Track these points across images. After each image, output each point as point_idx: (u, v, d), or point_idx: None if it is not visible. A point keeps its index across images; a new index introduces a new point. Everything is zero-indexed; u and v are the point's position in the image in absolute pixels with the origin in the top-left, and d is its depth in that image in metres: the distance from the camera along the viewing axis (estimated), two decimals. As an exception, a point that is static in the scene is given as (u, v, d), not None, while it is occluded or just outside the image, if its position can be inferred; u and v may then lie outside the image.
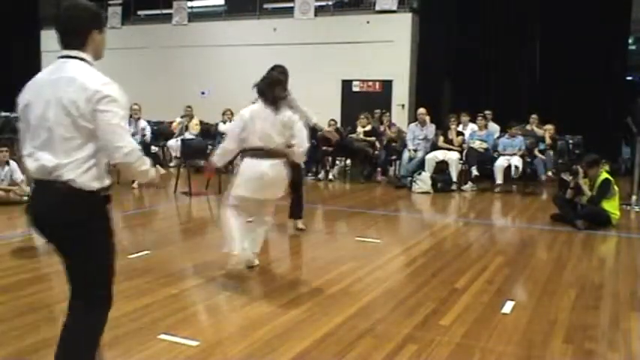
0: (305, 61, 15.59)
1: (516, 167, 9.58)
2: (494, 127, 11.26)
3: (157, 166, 2.67)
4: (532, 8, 13.78)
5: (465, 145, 10.27)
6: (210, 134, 12.87)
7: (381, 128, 11.39)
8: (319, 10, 15.87)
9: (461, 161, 10.06)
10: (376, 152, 10.84)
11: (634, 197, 8.38)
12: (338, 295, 4.25)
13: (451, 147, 10.20)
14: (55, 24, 2.56)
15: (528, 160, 9.96)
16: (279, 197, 4.84)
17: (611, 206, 6.93)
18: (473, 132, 10.80)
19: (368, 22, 15.06)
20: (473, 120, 11.08)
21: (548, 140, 10.58)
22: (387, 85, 14.67)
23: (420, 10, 15.02)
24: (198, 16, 17.59)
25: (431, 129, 10.84)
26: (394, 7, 14.82)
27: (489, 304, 4.13)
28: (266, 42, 16.06)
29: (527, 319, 3.86)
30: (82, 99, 2.41)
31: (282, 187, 4.73)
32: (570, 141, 11.49)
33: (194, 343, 3.30)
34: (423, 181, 9.55)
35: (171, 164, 11.78)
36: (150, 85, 15.99)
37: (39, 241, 5.99)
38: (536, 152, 10.28)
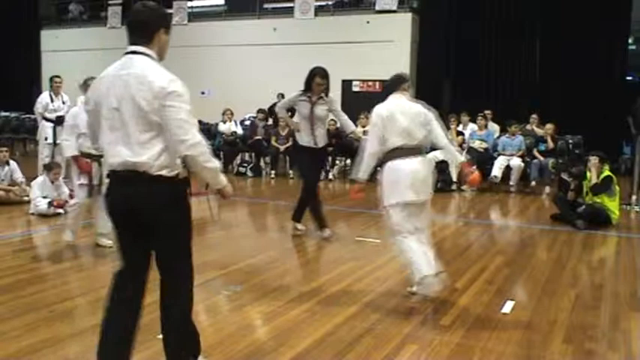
0: (305, 61, 15.57)
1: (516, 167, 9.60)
2: (494, 127, 11.26)
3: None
4: (532, 8, 13.78)
5: (465, 145, 10.26)
6: (211, 134, 12.88)
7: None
8: (319, 10, 15.87)
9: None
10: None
11: (634, 197, 8.38)
12: (338, 295, 4.25)
13: (451, 147, 10.19)
14: (127, 20, 2.76)
15: (527, 160, 9.97)
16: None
17: (612, 205, 6.94)
18: (473, 132, 10.80)
19: (368, 22, 15.06)
20: (473, 120, 11.08)
21: (550, 142, 10.56)
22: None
23: (420, 10, 15.02)
24: (198, 16, 17.60)
25: (431, 129, 10.82)
26: (394, 7, 14.82)
27: (489, 304, 4.13)
28: (266, 42, 16.07)
29: (527, 319, 3.86)
30: (151, 95, 2.56)
31: (431, 185, 4.36)
32: (570, 141, 11.48)
33: (194, 343, 3.29)
34: (423, 181, 9.53)
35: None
36: (150, 85, 15.99)
37: (39, 241, 6.00)
38: (535, 153, 10.27)
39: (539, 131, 10.94)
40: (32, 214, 6.83)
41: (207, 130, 13.17)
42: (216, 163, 2.73)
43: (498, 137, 10.76)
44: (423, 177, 4.13)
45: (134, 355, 3.14)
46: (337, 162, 11.52)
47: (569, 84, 13.05)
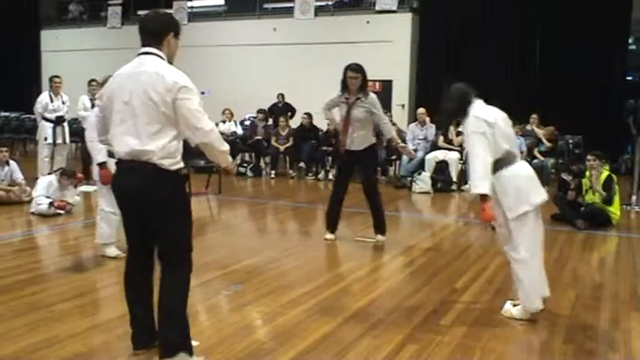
0: (305, 61, 15.61)
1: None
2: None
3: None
4: (532, 8, 13.78)
5: (465, 145, 10.25)
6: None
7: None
8: (319, 10, 15.87)
9: (461, 161, 10.06)
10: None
11: (634, 197, 8.38)
12: (338, 295, 4.25)
13: (451, 147, 10.21)
14: (139, 25, 3.00)
15: (528, 160, 9.95)
16: None
17: (613, 206, 6.94)
18: (473, 132, 10.78)
19: (368, 22, 15.06)
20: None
21: (547, 144, 10.57)
22: (387, 85, 14.67)
23: (420, 10, 15.02)
24: (198, 16, 17.60)
25: (431, 129, 10.85)
26: (394, 7, 14.83)
27: (489, 304, 4.13)
28: (266, 42, 16.07)
29: (527, 319, 3.85)
30: (163, 89, 2.79)
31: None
32: (570, 141, 11.49)
33: (194, 343, 3.28)
34: (423, 181, 9.55)
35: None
36: (150, 85, 15.99)
37: (39, 241, 6.00)
38: (535, 153, 10.27)
39: (539, 131, 10.95)
40: (32, 212, 6.82)
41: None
42: (227, 146, 3.02)
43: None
44: (535, 178, 3.92)
45: (134, 356, 3.15)
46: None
47: (569, 84, 13.04)
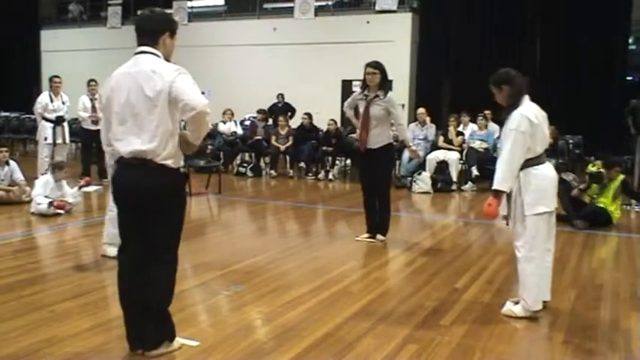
0: (305, 61, 15.62)
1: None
2: (494, 127, 11.24)
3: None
4: (532, 8, 13.78)
5: (465, 145, 10.27)
6: (210, 134, 12.88)
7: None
8: (319, 10, 15.89)
9: (461, 161, 10.06)
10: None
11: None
12: (338, 295, 4.25)
13: (451, 147, 10.21)
14: (135, 25, 3.03)
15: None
16: None
17: (613, 206, 6.93)
18: (473, 132, 10.80)
19: (368, 22, 15.07)
20: (473, 120, 11.08)
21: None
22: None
23: (420, 10, 15.03)
24: (198, 16, 17.62)
25: (431, 130, 10.86)
26: (394, 7, 14.84)
27: (489, 304, 4.13)
28: (266, 42, 16.08)
29: (527, 319, 3.85)
30: (160, 84, 2.83)
31: None
32: (570, 141, 11.49)
33: (194, 343, 3.30)
34: (423, 181, 9.55)
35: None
36: (150, 85, 16.00)
37: (39, 241, 6.00)
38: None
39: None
40: (33, 213, 6.82)
41: (207, 130, 13.19)
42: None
43: (498, 137, 10.74)
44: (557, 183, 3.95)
45: (134, 356, 3.15)
46: (337, 162, 11.52)
47: (570, 84, 13.05)
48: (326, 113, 12.44)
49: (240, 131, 12.19)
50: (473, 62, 14.36)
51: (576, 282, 4.77)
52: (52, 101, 9.17)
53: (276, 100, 13.94)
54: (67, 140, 9.45)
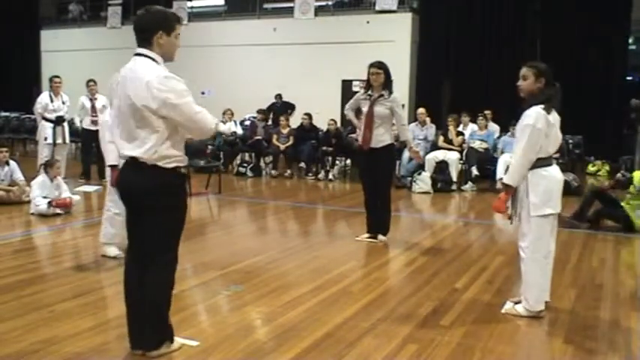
0: (305, 61, 15.62)
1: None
2: (494, 127, 11.26)
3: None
4: (532, 8, 13.78)
5: (465, 145, 10.27)
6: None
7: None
8: (319, 10, 15.88)
9: (461, 161, 10.06)
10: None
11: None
12: (338, 295, 4.25)
13: (451, 147, 10.21)
14: (133, 25, 2.99)
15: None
16: None
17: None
18: (473, 132, 10.80)
19: (368, 22, 15.07)
20: (473, 120, 11.08)
21: None
22: (387, 85, 14.66)
23: (420, 10, 15.03)
24: (198, 16, 17.62)
25: (431, 130, 10.86)
26: (394, 7, 14.84)
27: (489, 304, 4.13)
28: (266, 42, 16.08)
29: (527, 319, 3.86)
30: (145, 93, 2.79)
31: None
32: (570, 141, 11.49)
33: (194, 343, 3.30)
34: (423, 181, 9.55)
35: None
36: (150, 85, 16.00)
37: (39, 241, 6.00)
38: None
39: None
40: (32, 214, 6.83)
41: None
42: (213, 121, 3.02)
43: (498, 137, 10.76)
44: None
45: (134, 356, 3.15)
46: (337, 162, 11.52)
47: (569, 84, 13.03)
48: (326, 113, 12.44)
49: (240, 131, 12.19)
50: (473, 62, 14.36)
51: (576, 282, 4.77)
52: (52, 101, 9.17)
53: (274, 100, 13.94)
54: (67, 140, 9.45)
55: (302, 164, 11.54)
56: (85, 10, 19.91)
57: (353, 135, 10.98)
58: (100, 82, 9.41)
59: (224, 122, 12.14)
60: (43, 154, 9.01)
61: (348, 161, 11.72)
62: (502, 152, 9.95)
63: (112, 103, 3.10)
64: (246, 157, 12.30)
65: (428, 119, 10.88)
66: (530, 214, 3.75)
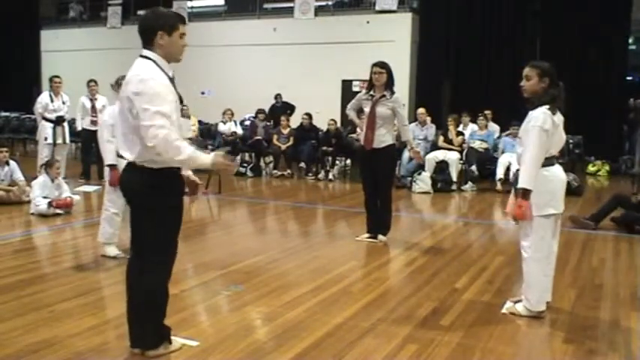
0: (305, 61, 15.61)
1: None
2: (494, 128, 11.26)
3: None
4: (532, 8, 13.78)
5: (465, 145, 10.27)
6: (211, 134, 12.89)
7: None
8: (319, 10, 15.88)
9: (461, 161, 10.06)
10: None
11: (634, 197, 8.36)
12: (338, 295, 4.25)
13: (451, 147, 10.21)
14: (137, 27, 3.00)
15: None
16: None
17: None
18: (473, 132, 10.80)
19: (368, 22, 15.07)
20: (474, 120, 11.08)
21: None
22: (387, 85, 14.65)
23: (420, 10, 15.03)
24: (198, 16, 17.60)
25: (431, 130, 10.85)
26: (394, 7, 14.83)
27: (489, 304, 4.13)
28: (266, 42, 16.07)
29: (527, 319, 3.86)
30: (131, 95, 2.81)
31: None
32: (570, 141, 11.48)
33: (194, 343, 3.30)
34: (423, 181, 9.55)
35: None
36: (150, 85, 16.00)
37: (39, 241, 6.00)
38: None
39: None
40: (32, 214, 6.83)
41: (208, 130, 13.19)
42: (184, 154, 2.79)
43: (499, 137, 10.76)
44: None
45: (134, 356, 3.15)
46: (337, 162, 11.52)
47: (569, 84, 13.01)
48: (326, 113, 12.44)
49: (240, 131, 12.19)
50: (473, 62, 14.35)
51: (576, 282, 4.77)
52: (52, 101, 9.16)
53: (274, 101, 13.94)
54: (67, 140, 9.45)
55: (302, 164, 11.54)
56: (85, 10, 19.91)
57: (353, 135, 11.01)
58: (101, 82, 9.41)
59: (224, 123, 12.14)
60: (43, 154, 9.01)
61: (348, 161, 11.72)
62: (502, 152, 9.95)
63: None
64: (246, 157, 12.31)
65: (428, 119, 10.88)
66: (533, 214, 3.73)
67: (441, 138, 10.46)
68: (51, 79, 9.41)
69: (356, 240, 5.98)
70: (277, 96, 13.95)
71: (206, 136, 12.67)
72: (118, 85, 4.82)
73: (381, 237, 5.90)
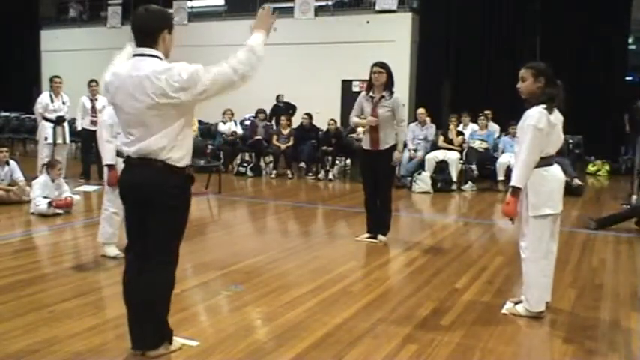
0: (305, 61, 15.62)
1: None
2: (494, 127, 11.26)
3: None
4: (532, 8, 13.78)
5: (465, 145, 10.27)
6: (211, 134, 12.88)
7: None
8: (319, 10, 15.88)
9: (461, 161, 10.06)
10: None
11: (634, 197, 8.37)
12: (338, 295, 4.25)
13: (451, 147, 10.21)
14: (132, 26, 2.93)
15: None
16: None
17: None
18: (473, 132, 10.80)
19: (368, 22, 15.07)
20: (474, 120, 11.08)
21: None
22: (387, 85, 14.66)
23: (420, 10, 15.03)
24: (198, 16, 17.61)
25: (431, 130, 10.85)
26: (394, 7, 14.84)
27: (489, 304, 4.13)
28: (266, 42, 16.05)
29: (527, 319, 3.86)
30: (160, 89, 2.77)
31: None
32: (570, 141, 11.49)
33: (194, 343, 3.30)
34: (423, 181, 9.55)
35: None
36: (150, 85, 16.00)
37: (39, 241, 6.00)
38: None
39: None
40: (32, 213, 6.83)
41: (208, 130, 13.19)
42: (255, 48, 3.31)
43: (499, 137, 10.76)
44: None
45: (134, 356, 3.15)
46: (337, 162, 11.52)
47: (569, 84, 13.01)
48: (326, 113, 12.44)
49: (240, 131, 12.18)
50: (473, 62, 14.36)
51: (576, 282, 4.77)
52: (52, 101, 9.17)
53: (276, 102, 13.94)
54: (67, 140, 9.45)
55: (302, 164, 11.54)
56: (85, 10, 19.91)
57: (353, 135, 11.01)
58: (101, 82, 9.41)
59: (224, 123, 12.15)
60: (44, 154, 9.01)
61: (348, 161, 11.72)
62: (502, 152, 9.95)
63: (112, 100, 3.00)
64: (246, 157, 12.31)
65: (428, 119, 10.88)
66: (530, 214, 3.75)
67: (441, 138, 10.46)
68: (51, 79, 9.42)
69: (356, 240, 5.98)
70: (279, 96, 13.95)
71: (206, 136, 12.66)
72: None
73: (381, 237, 5.91)
